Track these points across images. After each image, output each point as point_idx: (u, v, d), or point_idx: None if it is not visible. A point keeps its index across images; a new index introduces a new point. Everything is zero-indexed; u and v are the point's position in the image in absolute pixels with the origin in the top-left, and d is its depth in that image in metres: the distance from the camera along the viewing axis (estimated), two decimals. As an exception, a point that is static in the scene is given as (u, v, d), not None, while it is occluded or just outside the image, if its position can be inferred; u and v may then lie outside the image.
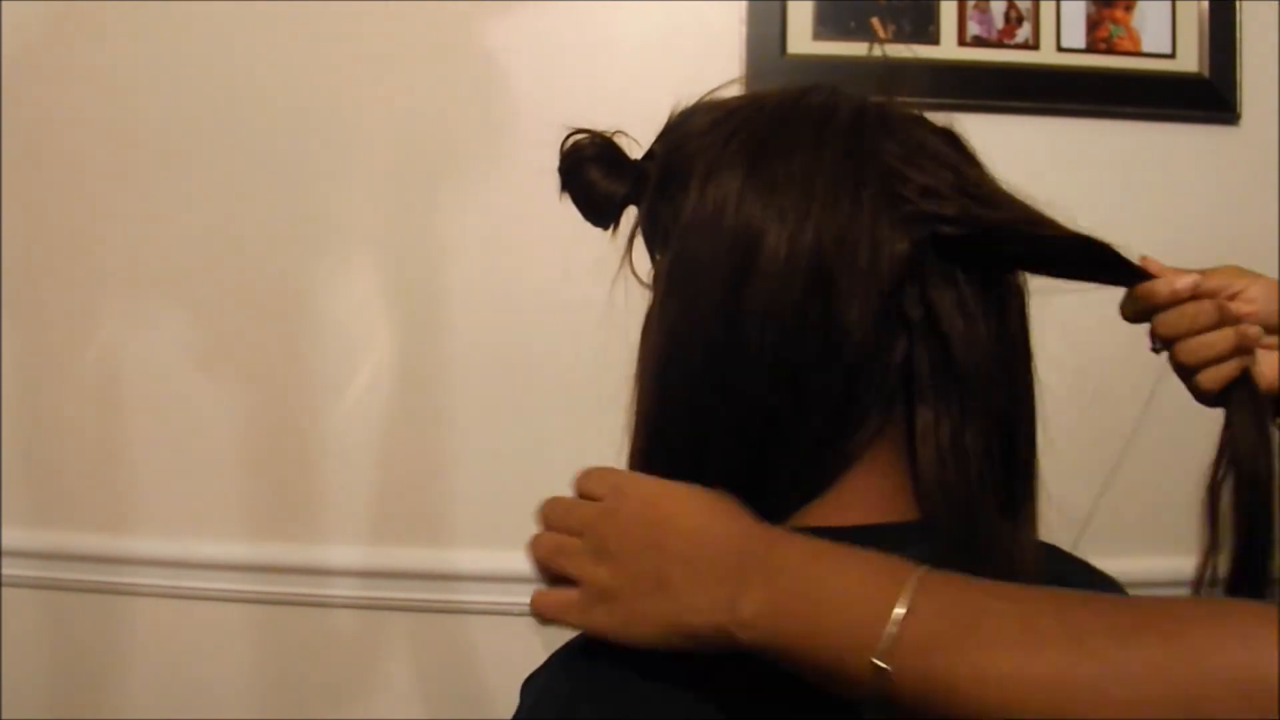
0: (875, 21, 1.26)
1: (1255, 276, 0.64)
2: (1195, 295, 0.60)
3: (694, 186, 0.55)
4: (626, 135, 0.63)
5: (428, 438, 1.28)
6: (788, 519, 0.54)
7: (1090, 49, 1.26)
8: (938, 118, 0.60)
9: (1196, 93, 1.26)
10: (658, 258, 0.59)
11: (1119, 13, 1.26)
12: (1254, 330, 0.60)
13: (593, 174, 0.62)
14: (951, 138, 0.59)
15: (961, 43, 1.26)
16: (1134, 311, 0.61)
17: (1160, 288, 0.60)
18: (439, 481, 1.28)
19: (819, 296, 0.52)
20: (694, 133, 0.58)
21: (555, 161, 0.64)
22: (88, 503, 1.30)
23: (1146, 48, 1.26)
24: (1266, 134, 1.26)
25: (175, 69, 1.28)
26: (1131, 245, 1.34)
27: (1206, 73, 1.25)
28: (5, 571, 1.29)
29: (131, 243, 1.30)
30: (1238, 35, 1.26)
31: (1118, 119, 1.27)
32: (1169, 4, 1.26)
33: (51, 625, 1.31)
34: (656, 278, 0.58)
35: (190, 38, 1.28)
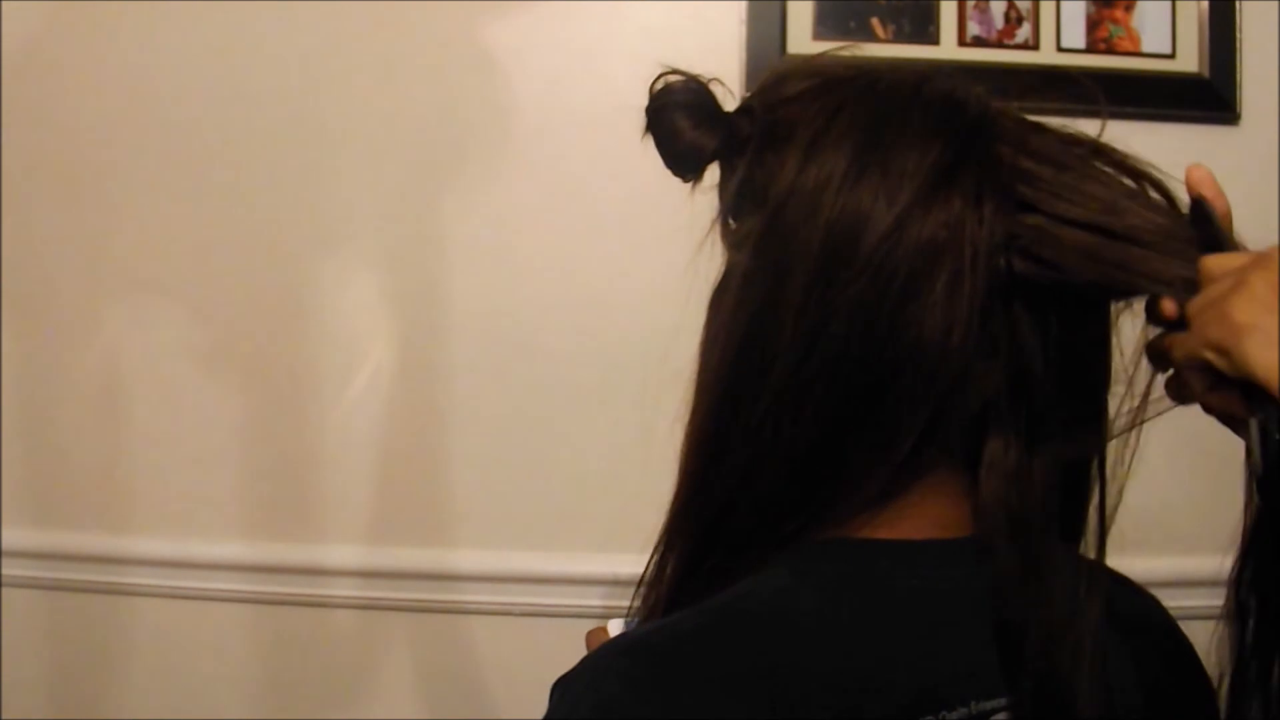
0: (875, 22, 1.26)
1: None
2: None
3: (793, 155, 0.52)
4: (722, 84, 0.59)
5: (428, 438, 1.28)
6: (836, 523, 0.52)
7: (1090, 49, 1.26)
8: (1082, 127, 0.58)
9: (1196, 93, 1.26)
10: (739, 222, 0.55)
11: (1119, 13, 1.26)
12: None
13: (681, 121, 0.57)
14: (1095, 150, 0.56)
15: (961, 43, 1.26)
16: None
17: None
18: (439, 481, 1.28)
19: (913, 309, 0.49)
20: (795, 97, 0.55)
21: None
22: (88, 503, 1.30)
23: (1146, 48, 1.26)
24: (1266, 134, 1.26)
25: (176, 69, 1.28)
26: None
27: (1206, 73, 1.25)
28: (5, 571, 1.29)
29: (132, 243, 1.30)
30: (1238, 35, 1.26)
31: (1117, 119, 1.26)
32: (1169, 4, 1.26)
33: (51, 625, 1.31)
34: (739, 244, 0.54)
35: (191, 38, 1.28)
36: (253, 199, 1.29)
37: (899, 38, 1.25)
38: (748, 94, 0.58)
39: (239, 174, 1.29)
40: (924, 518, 0.52)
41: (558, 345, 1.25)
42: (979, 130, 0.53)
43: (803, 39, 1.25)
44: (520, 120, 1.26)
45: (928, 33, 1.26)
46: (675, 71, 0.58)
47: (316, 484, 1.28)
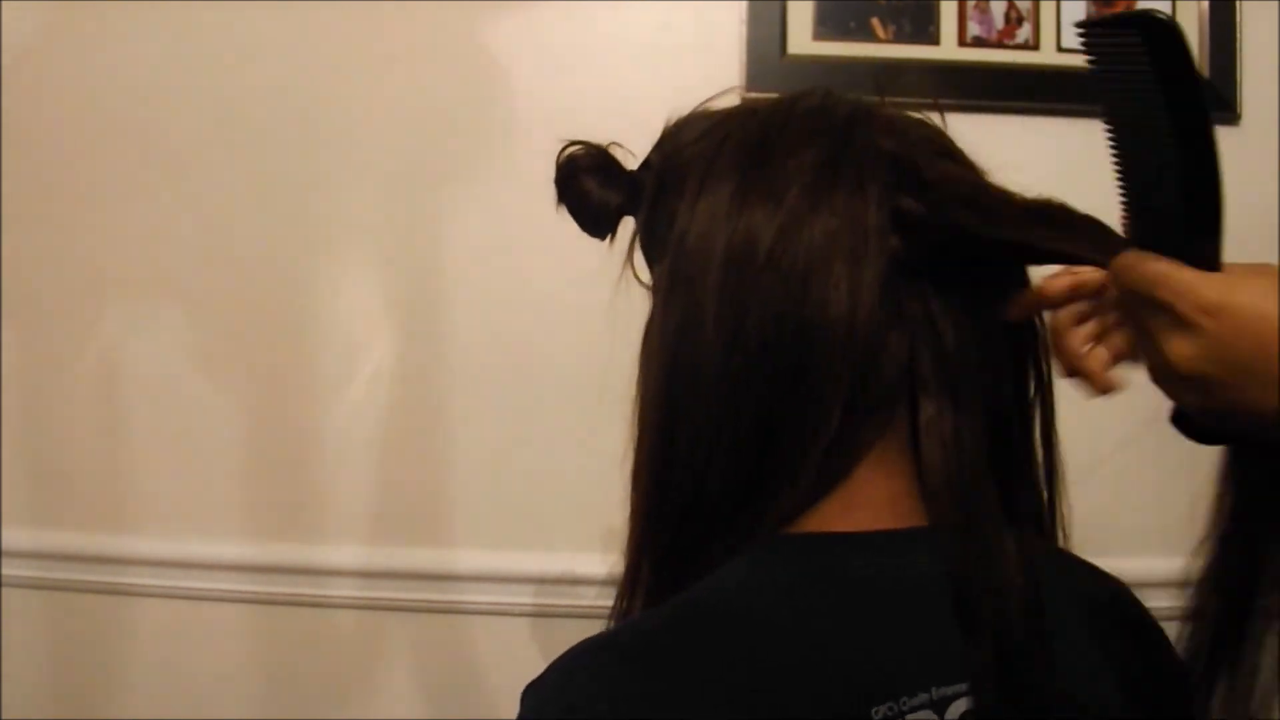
0: (875, 22, 1.26)
1: None
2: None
3: (688, 194, 0.56)
4: (622, 146, 0.63)
5: (428, 438, 1.28)
6: (797, 520, 0.53)
7: (1090, 49, 1.26)
8: (936, 119, 0.60)
9: (1196, 93, 1.26)
10: (655, 267, 0.59)
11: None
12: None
13: (588, 184, 0.63)
14: (941, 136, 0.59)
15: (961, 43, 1.26)
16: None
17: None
18: (439, 481, 1.28)
19: (817, 294, 0.52)
20: (687, 142, 0.59)
21: (554, 161, 0.64)
22: (88, 503, 1.30)
23: (1146, 48, 1.26)
24: (1266, 134, 1.26)
25: (175, 69, 1.28)
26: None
27: (1206, 73, 1.25)
28: (5, 571, 1.29)
29: (132, 243, 1.30)
30: (1238, 35, 1.26)
31: (1117, 119, 1.27)
32: (1169, 4, 1.26)
33: (51, 625, 1.31)
34: (656, 285, 0.59)
35: (190, 38, 1.28)
36: (253, 199, 1.29)
37: (899, 38, 1.25)
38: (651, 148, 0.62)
39: (239, 174, 1.28)
40: (876, 506, 0.54)
41: (558, 344, 1.25)
42: (852, 126, 0.56)
43: (803, 39, 1.25)
44: (520, 120, 1.26)
45: (928, 33, 1.26)
46: (577, 143, 0.63)
47: (316, 484, 1.28)
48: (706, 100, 0.62)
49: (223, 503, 1.29)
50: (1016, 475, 0.57)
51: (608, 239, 0.65)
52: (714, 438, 0.54)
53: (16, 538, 1.29)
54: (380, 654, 1.28)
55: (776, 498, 0.53)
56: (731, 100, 0.62)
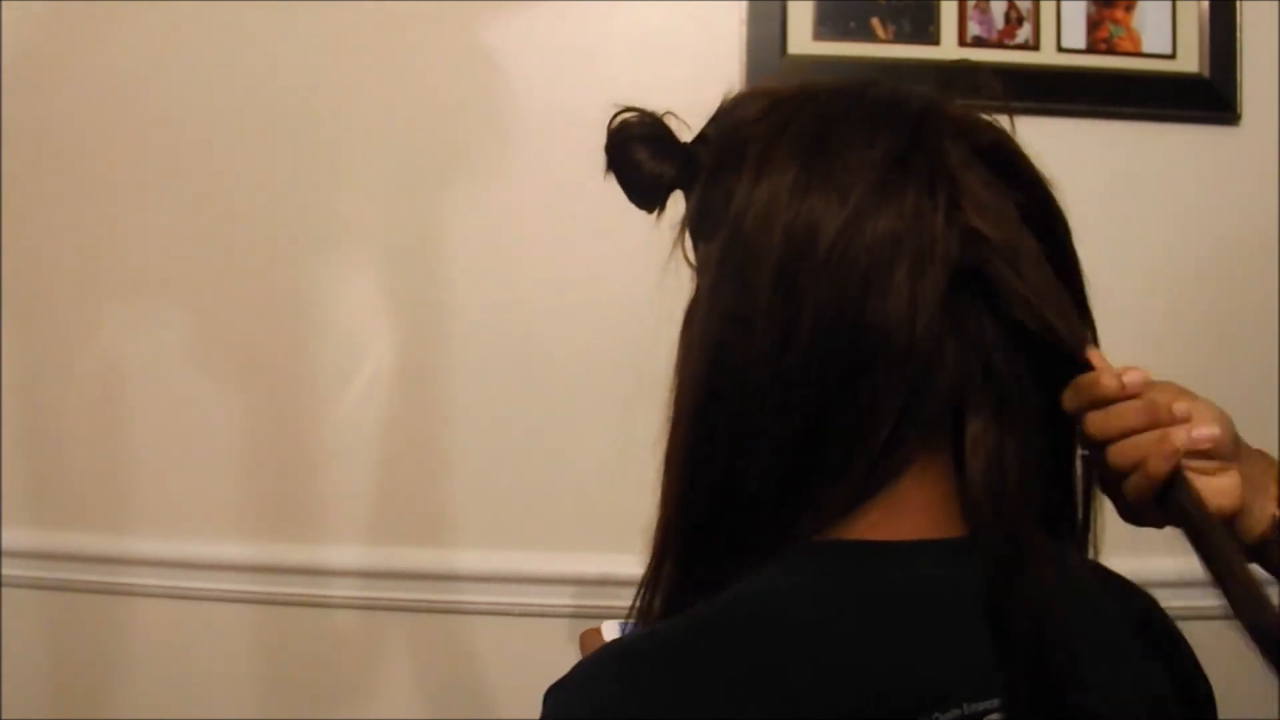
0: (875, 22, 1.26)
1: (1195, 397, 0.56)
2: (1139, 394, 0.53)
3: (747, 174, 0.54)
4: (676, 117, 0.61)
5: (428, 438, 1.28)
6: (834, 527, 0.52)
7: (1090, 49, 1.26)
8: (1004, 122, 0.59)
9: (1196, 93, 1.26)
10: (705, 245, 0.57)
11: (1119, 13, 1.26)
12: (1180, 436, 0.53)
13: (640, 154, 0.60)
14: (1007, 141, 0.57)
15: (962, 43, 1.26)
16: (1076, 406, 0.55)
17: (1106, 380, 0.53)
18: (439, 481, 1.28)
19: (877, 296, 0.50)
20: (745, 119, 0.57)
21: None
22: (88, 503, 1.30)
23: (1147, 48, 1.26)
24: (1266, 134, 1.26)
25: (175, 69, 1.28)
26: (1132, 245, 1.35)
27: (1206, 73, 1.25)
28: (5, 571, 1.29)
29: (132, 243, 1.30)
30: (1238, 35, 1.26)
31: (1118, 119, 1.27)
32: (1169, 4, 1.26)
33: (51, 625, 1.31)
34: (705, 265, 0.56)
35: (191, 38, 1.28)
36: (253, 199, 1.29)
37: (899, 38, 1.25)
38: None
39: (239, 174, 1.28)
40: (916, 516, 0.52)
41: (558, 345, 1.25)
42: (923, 123, 0.54)
43: (803, 39, 1.25)
44: (520, 120, 1.26)
45: (928, 33, 1.25)
46: (631, 109, 0.60)
47: (316, 484, 1.28)
48: (765, 77, 0.59)
49: (223, 503, 1.29)
50: (1059, 490, 0.56)
51: (656, 213, 0.61)
52: (756, 433, 0.52)
53: (16, 538, 1.29)
54: (380, 654, 1.28)
55: (815, 502, 0.52)
56: (791, 81, 0.59)
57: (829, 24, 1.25)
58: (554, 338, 1.25)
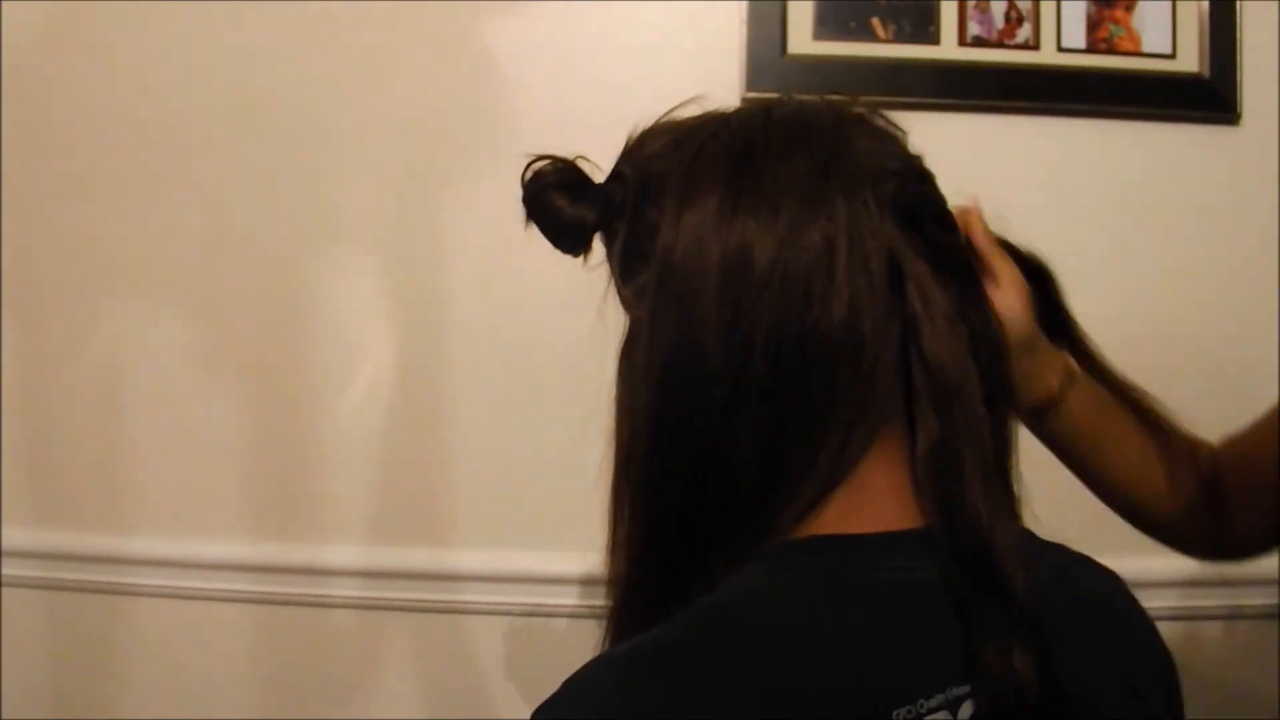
0: (875, 22, 1.26)
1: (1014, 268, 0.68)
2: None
3: (669, 206, 0.55)
4: (587, 160, 0.62)
5: (428, 438, 1.28)
6: (804, 523, 0.53)
7: (1090, 49, 1.26)
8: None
9: (1196, 93, 1.26)
10: (635, 280, 0.58)
11: (1119, 13, 1.26)
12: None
13: (559, 201, 0.61)
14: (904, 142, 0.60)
15: (962, 43, 1.26)
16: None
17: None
18: (439, 481, 1.28)
19: (820, 303, 0.52)
20: (658, 152, 0.58)
21: (523, 182, 0.63)
22: (88, 503, 1.30)
23: (1147, 48, 1.26)
24: (1266, 134, 1.26)
25: (175, 69, 1.28)
26: (1131, 245, 1.34)
27: (1206, 73, 1.25)
28: (5, 571, 1.29)
29: (131, 242, 1.30)
30: (1238, 35, 1.25)
31: (1118, 119, 1.27)
32: (1169, 4, 1.26)
33: (51, 625, 1.31)
34: (639, 298, 0.57)
35: (190, 38, 1.28)
36: (252, 199, 1.29)
37: (899, 38, 1.25)
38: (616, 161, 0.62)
39: (239, 174, 1.28)
40: (884, 504, 0.54)
41: (557, 344, 1.25)
42: (838, 130, 0.56)
43: (803, 39, 1.25)
44: (520, 120, 1.26)
45: (928, 33, 1.25)
46: (542, 157, 0.62)
47: (316, 484, 1.28)
48: (671, 109, 0.61)
49: (223, 503, 1.29)
50: (1006, 470, 0.57)
51: (582, 257, 0.64)
52: (716, 454, 0.53)
53: (16, 538, 1.29)
54: (380, 654, 1.28)
55: (780, 506, 0.53)
56: (694, 110, 0.61)
57: (829, 24, 1.25)
58: (554, 337, 1.25)
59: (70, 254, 1.30)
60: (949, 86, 1.24)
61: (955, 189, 1.21)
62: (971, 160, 1.17)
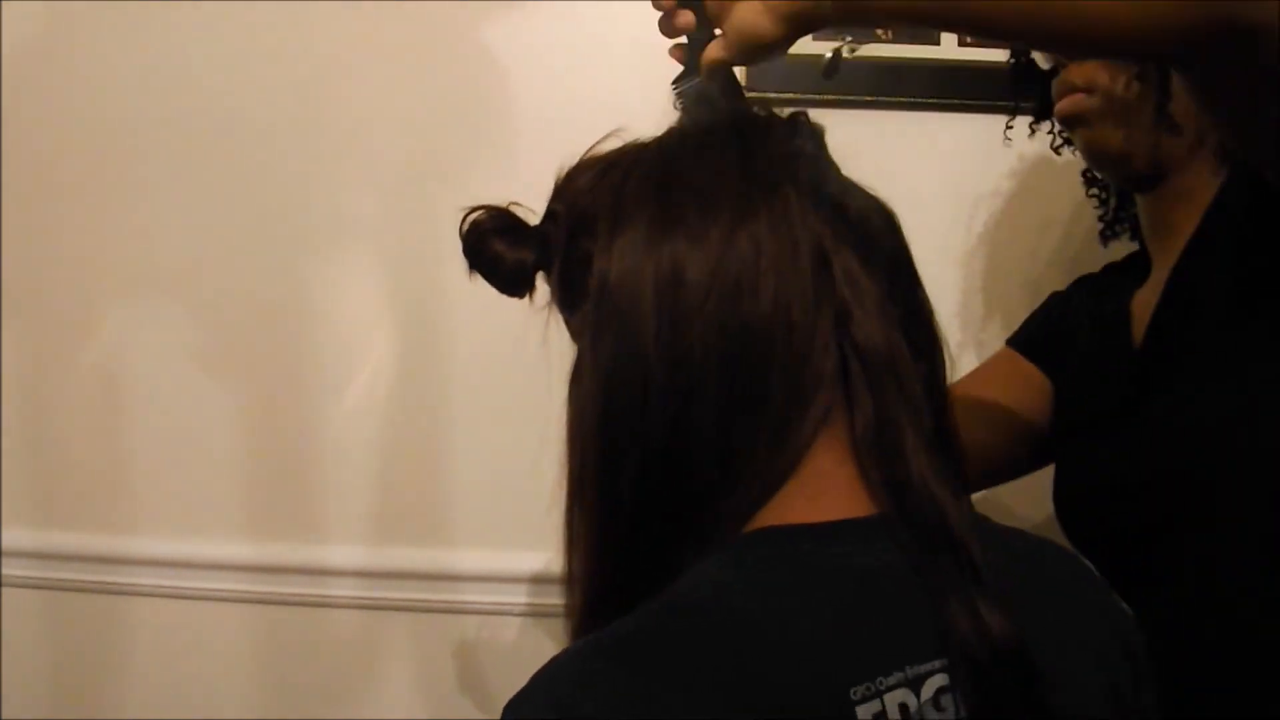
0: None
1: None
2: None
3: (601, 235, 0.57)
4: (520, 205, 0.64)
5: (428, 438, 1.28)
6: (758, 515, 0.54)
7: (1090, 49, 1.26)
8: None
9: (1196, 93, 1.26)
10: (576, 311, 0.61)
11: (1119, 13, 1.26)
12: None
13: (499, 247, 0.64)
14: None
15: (961, 43, 1.26)
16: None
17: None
18: (439, 481, 1.28)
19: (751, 299, 0.54)
20: (585, 188, 0.60)
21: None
22: (88, 503, 1.30)
23: (1146, 48, 1.26)
24: (1267, 134, 1.26)
25: (175, 69, 1.29)
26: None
27: (1206, 73, 1.25)
28: (5, 571, 1.29)
29: (132, 243, 1.30)
30: (1238, 35, 1.25)
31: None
32: (1169, 4, 1.26)
33: (51, 625, 1.31)
34: (582, 328, 0.60)
35: (190, 38, 1.28)
36: (253, 199, 1.29)
37: (899, 38, 1.25)
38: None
39: (239, 174, 1.29)
40: (837, 492, 0.54)
41: (557, 344, 1.25)
42: (749, 135, 0.59)
43: (803, 39, 1.25)
44: (520, 120, 1.26)
45: (928, 33, 1.25)
46: (477, 207, 0.65)
47: (316, 484, 1.28)
48: (592, 146, 0.63)
49: (223, 503, 1.29)
50: (950, 446, 0.58)
51: (527, 298, 0.67)
52: (665, 457, 0.55)
53: (16, 538, 1.29)
54: (380, 654, 1.28)
55: (731, 499, 0.54)
56: (615, 143, 0.63)
57: (829, 24, 1.25)
58: (554, 336, 1.25)
59: (70, 254, 1.30)
60: (949, 86, 1.24)
61: (956, 188, 1.21)
62: (972, 160, 1.17)
